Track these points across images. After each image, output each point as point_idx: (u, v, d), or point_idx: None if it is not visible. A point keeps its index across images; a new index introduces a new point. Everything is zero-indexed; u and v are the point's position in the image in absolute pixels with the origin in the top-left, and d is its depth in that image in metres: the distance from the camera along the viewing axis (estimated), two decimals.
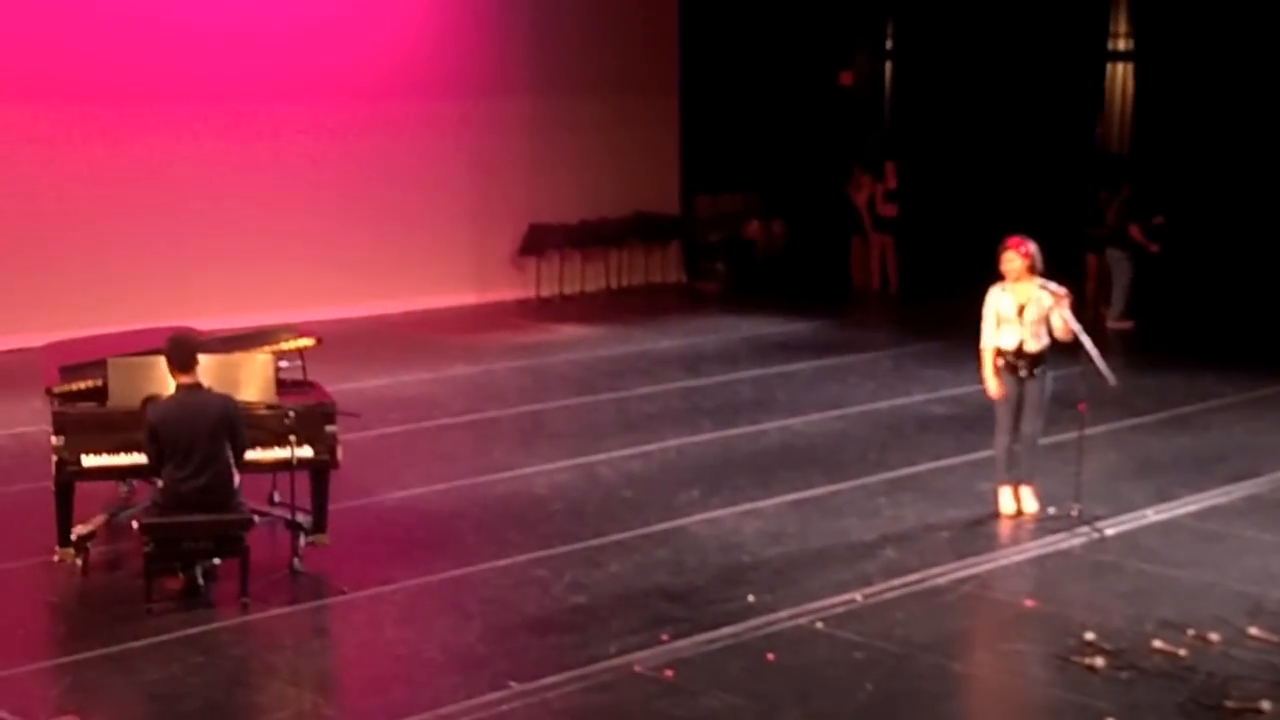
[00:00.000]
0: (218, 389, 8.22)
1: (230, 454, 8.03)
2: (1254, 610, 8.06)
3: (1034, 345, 9.55)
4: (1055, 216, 15.99)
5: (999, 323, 9.59)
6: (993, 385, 9.65)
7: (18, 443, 11.25)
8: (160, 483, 8.06)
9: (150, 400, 8.17)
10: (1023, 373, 9.57)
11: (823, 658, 7.48)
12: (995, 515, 9.70)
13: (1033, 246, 9.56)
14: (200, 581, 8.15)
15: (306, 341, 9.09)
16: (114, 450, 8.35)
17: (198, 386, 8.06)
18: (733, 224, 20.28)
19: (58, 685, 7.11)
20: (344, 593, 8.24)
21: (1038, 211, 15.68)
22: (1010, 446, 9.68)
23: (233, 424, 8.04)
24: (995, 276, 9.63)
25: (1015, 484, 9.74)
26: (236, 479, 8.11)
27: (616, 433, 11.89)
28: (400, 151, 17.27)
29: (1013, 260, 9.52)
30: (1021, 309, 9.51)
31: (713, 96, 19.69)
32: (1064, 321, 9.42)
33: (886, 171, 18.96)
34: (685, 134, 19.81)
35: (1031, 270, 9.53)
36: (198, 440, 7.90)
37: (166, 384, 8.31)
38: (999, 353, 9.62)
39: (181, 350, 8.08)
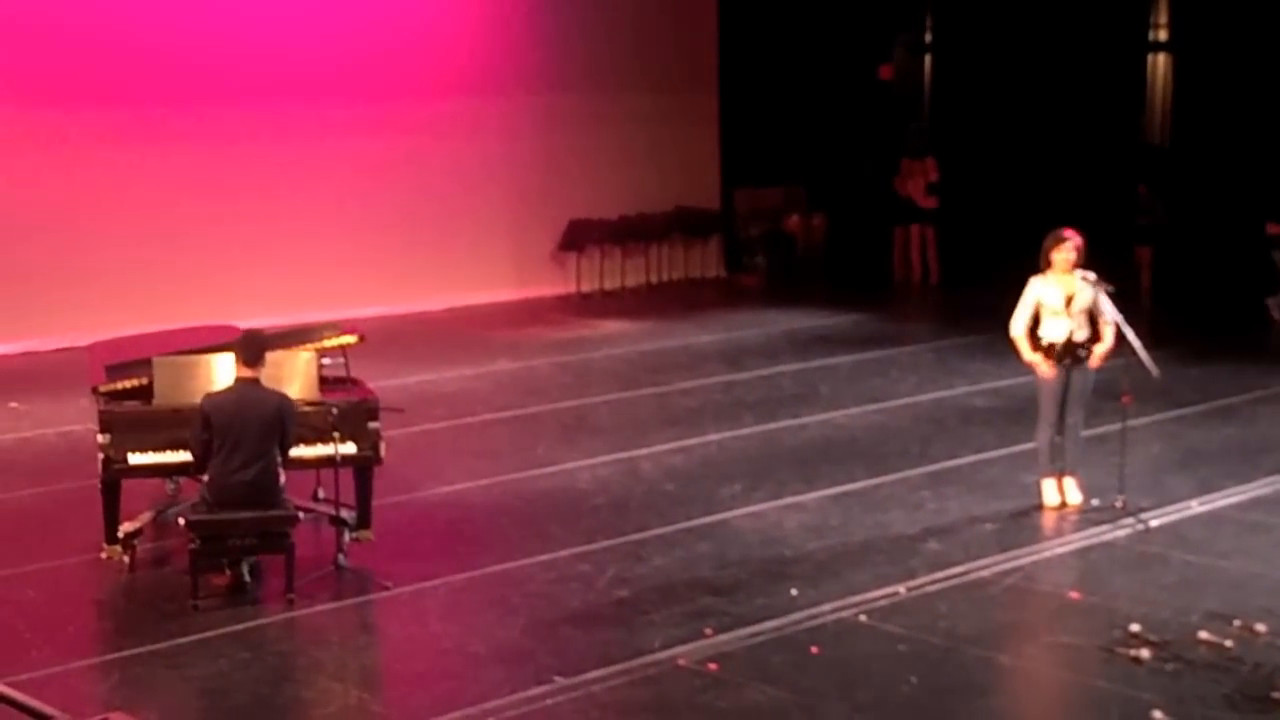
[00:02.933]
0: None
1: (278, 454, 8.09)
2: None
3: (1081, 335, 9.53)
4: (1097, 208, 15.88)
5: (1044, 314, 9.54)
6: (1044, 365, 9.57)
7: (65, 441, 11.34)
8: (206, 477, 8.13)
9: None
10: (1077, 360, 9.52)
11: (867, 651, 7.47)
12: (1039, 507, 9.67)
13: (1080, 239, 9.56)
14: (246, 578, 8.22)
15: (349, 338, 9.13)
16: (160, 448, 8.42)
17: (256, 383, 8.13)
18: (772, 218, 20.22)
19: (105, 681, 7.17)
20: (388, 588, 8.28)
21: (1079, 203, 15.59)
22: (1053, 438, 9.65)
23: (284, 424, 8.10)
24: (1036, 268, 9.59)
25: (1059, 476, 9.70)
26: (282, 477, 8.16)
27: (658, 427, 11.90)
28: (440, 149, 17.31)
29: (1070, 252, 9.48)
30: (1069, 300, 9.48)
31: (752, 91, 19.64)
32: (1102, 313, 9.41)
33: (927, 165, 18.91)
34: (725, 128, 19.75)
35: (1078, 263, 9.52)
36: (247, 434, 7.97)
37: (211, 383, 8.39)
38: (1037, 345, 9.57)
39: (251, 345, 8.22)
